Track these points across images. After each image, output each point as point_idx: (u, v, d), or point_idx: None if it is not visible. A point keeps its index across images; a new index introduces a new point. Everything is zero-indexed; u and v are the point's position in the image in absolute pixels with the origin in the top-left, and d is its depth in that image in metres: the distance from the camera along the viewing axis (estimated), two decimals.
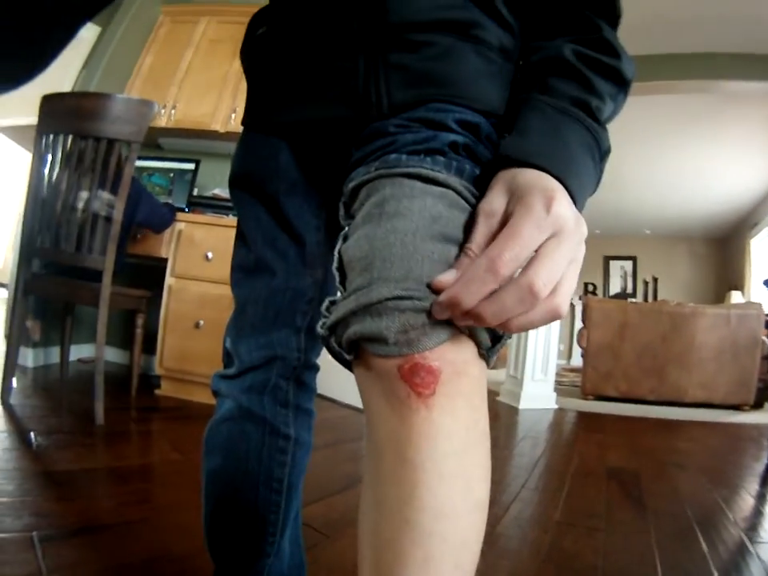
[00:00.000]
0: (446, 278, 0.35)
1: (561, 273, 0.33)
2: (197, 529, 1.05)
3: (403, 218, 0.36)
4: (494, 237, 0.35)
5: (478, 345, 0.36)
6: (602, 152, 0.43)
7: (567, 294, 0.35)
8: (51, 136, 2.00)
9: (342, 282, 0.39)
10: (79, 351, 3.05)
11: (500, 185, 0.38)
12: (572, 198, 0.37)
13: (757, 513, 1.68)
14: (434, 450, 0.34)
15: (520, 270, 0.33)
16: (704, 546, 1.30)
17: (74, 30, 0.58)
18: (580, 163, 0.40)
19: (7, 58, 0.47)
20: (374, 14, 0.50)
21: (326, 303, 0.39)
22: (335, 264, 0.40)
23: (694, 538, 1.36)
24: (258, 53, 0.62)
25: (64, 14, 0.53)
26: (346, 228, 0.42)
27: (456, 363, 0.35)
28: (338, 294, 0.40)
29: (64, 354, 2.69)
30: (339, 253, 0.39)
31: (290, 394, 0.64)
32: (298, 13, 0.57)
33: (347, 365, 0.39)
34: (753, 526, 1.53)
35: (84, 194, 1.98)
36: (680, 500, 1.73)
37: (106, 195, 1.98)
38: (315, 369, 0.67)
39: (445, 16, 0.50)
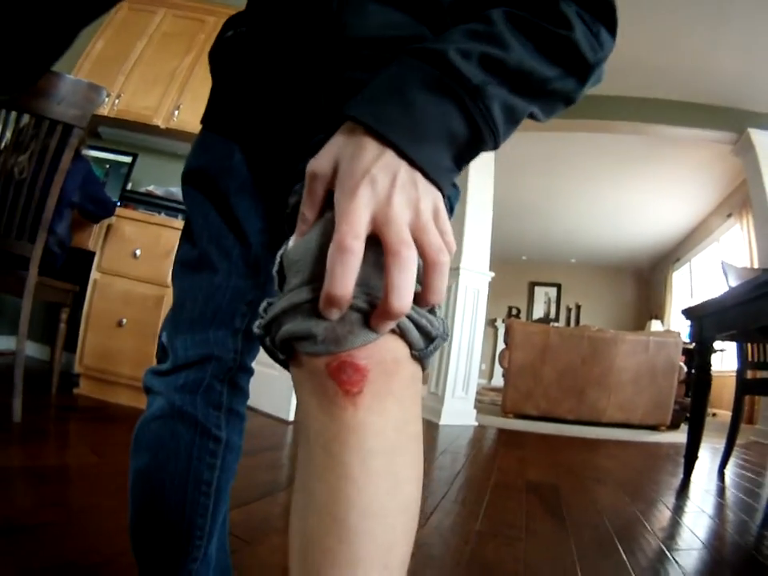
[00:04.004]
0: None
1: (405, 227, 0.33)
2: (115, 533, 1.01)
3: None
4: (319, 200, 0.37)
5: (410, 345, 0.36)
6: (470, 88, 0.37)
7: (448, 233, 0.36)
8: None
9: (281, 286, 0.39)
10: None
11: (328, 150, 0.37)
12: (404, 151, 0.35)
13: (674, 523, 1.73)
14: (361, 447, 0.34)
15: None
16: (623, 554, 1.33)
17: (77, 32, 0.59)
18: (422, 116, 0.36)
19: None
20: (330, 28, 0.51)
21: (264, 304, 0.39)
22: (276, 268, 0.40)
23: (613, 547, 1.39)
24: (222, 55, 0.64)
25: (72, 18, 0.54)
26: (290, 237, 0.42)
27: (385, 363, 0.35)
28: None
29: None
30: (281, 257, 0.40)
31: (223, 396, 0.63)
32: (262, 22, 0.58)
33: (284, 364, 0.39)
34: (671, 535, 1.57)
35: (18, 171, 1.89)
36: (599, 512, 1.77)
37: None
38: (250, 372, 0.67)
39: (397, 33, 0.51)
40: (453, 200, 0.52)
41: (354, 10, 0.51)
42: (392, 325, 0.34)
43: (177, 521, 0.61)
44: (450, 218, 0.40)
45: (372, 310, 0.34)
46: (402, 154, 0.35)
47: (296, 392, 0.38)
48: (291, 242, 0.39)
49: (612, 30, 0.44)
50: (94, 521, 1.16)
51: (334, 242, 0.32)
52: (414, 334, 0.36)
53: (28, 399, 1.88)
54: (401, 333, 0.35)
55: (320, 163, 0.37)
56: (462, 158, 0.39)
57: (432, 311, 0.37)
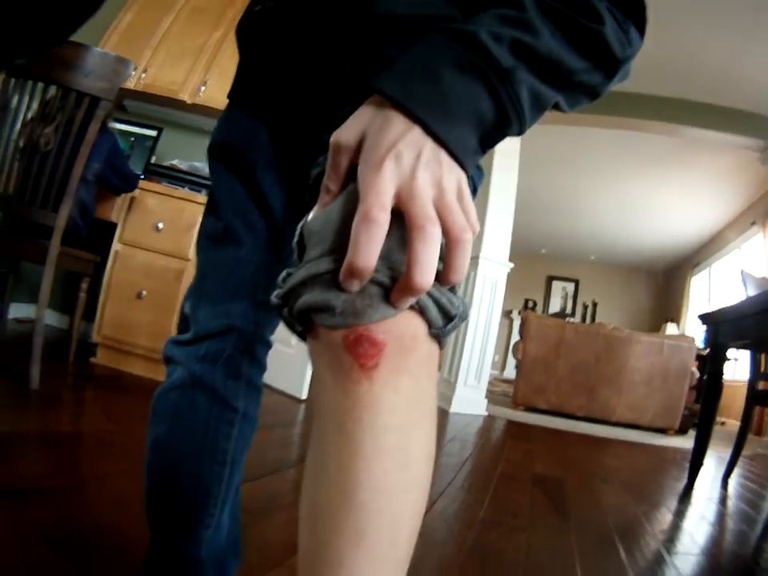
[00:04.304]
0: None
1: (430, 202, 0.33)
2: (128, 501, 1.03)
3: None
4: (344, 171, 0.37)
5: (429, 324, 0.36)
6: (500, 70, 0.36)
7: (472, 213, 0.35)
8: (21, 80, 1.89)
9: (300, 257, 0.39)
10: (16, 311, 2.95)
11: (355, 121, 0.37)
12: (432, 129, 0.35)
13: (675, 527, 1.74)
14: (373, 423, 0.34)
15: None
16: (623, 553, 1.34)
17: None
18: (451, 94, 0.36)
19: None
20: (358, 3, 0.51)
21: (283, 274, 0.39)
22: (296, 239, 0.40)
23: (613, 545, 1.40)
24: (249, 29, 0.63)
25: None
26: (311, 208, 0.42)
27: (403, 338, 0.34)
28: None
29: (2, 312, 2.60)
30: (301, 228, 0.39)
31: (242, 368, 0.63)
32: None
33: (301, 336, 0.39)
34: (670, 539, 1.59)
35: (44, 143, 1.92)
36: (601, 510, 1.79)
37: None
38: (268, 345, 0.67)
39: (426, 12, 0.51)
40: (476, 181, 0.52)
41: None
42: (412, 301, 0.34)
43: (192, 488, 0.63)
44: (473, 199, 0.39)
45: (393, 285, 0.33)
46: (429, 132, 0.34)
47: (312, 364, 0.38)
48: (312, 214, 0.39)
49: (641, 29, 0.44)
50: (106, 488, 1.19)
51: (359, 213, 0.32)
52: (434, 312, 0.36)
53: (46, 367, 1.90)
54: (420, 310, 0.35)
55: (345, 135, 0.36)
56: (488, 140, 0.38)
57: (452, 290, 0.37)
